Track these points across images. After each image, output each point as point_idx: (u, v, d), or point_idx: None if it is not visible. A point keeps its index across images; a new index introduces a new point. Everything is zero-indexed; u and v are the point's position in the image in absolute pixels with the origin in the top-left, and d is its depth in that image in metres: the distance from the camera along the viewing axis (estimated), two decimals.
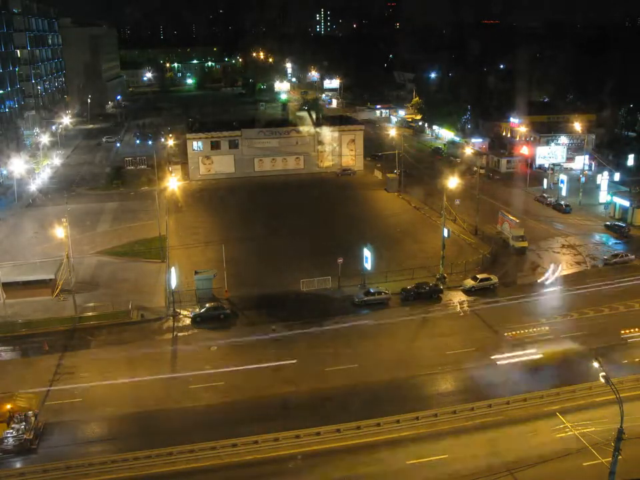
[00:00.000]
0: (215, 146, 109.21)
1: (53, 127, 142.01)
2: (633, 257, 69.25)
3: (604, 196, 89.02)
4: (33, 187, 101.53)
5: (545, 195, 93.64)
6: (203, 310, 57.95)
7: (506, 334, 53.81)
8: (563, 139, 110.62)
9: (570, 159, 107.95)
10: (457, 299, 61.43)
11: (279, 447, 39.65)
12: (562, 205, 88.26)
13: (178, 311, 58.83)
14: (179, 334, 55.70)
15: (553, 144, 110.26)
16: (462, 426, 41.49)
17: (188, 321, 57.65)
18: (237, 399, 45.30)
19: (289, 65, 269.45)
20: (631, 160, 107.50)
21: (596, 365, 33.38)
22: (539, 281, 65.45)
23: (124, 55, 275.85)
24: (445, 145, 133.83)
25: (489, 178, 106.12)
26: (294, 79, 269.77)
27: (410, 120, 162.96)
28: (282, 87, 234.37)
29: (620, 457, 32.38)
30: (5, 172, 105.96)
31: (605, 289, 62.44)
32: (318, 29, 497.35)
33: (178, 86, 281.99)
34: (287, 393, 45.83)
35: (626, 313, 57.31)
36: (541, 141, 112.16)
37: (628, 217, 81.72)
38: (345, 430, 40.66)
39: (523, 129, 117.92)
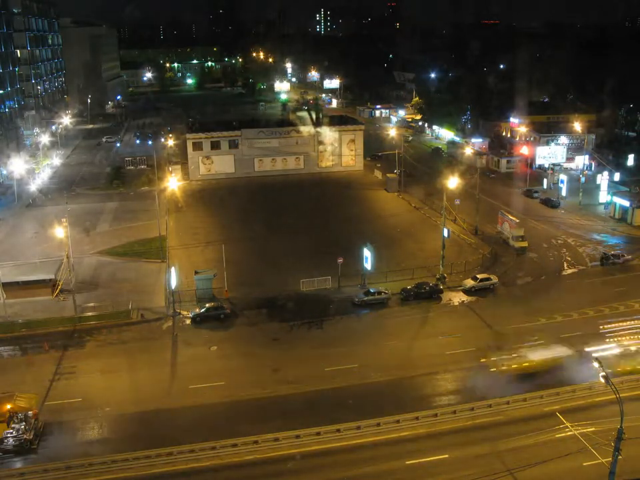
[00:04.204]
0: (215, 146, 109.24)
1: (53, 127, 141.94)
2: (630, 257, 69.21)
3: (604, 196, 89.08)
4: (33, 187, 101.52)
5: (530, 189, 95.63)
6: (203, 310, 57.96)
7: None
8: (563, 139, 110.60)
9: (570, 158, 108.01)
10: (457, 298, 61.44)
11: (279, 446, 39.68)
12: (551, 200, 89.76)
13: (178, 310, 58.84)
14: (179, 334, 55.68)
15: (553, 144, 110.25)
16: (462, 426, 41.51)
17: (188, 321, 57.66)
18: (237, 399, 45.33)
19: (288, 65, 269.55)
20: (631, 160, 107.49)
21: (596, 364, 33.36)
22: (538, 280, 65.50)
23: (124, 55, 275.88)
24: (445, 144, 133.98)
25: (488, 176, 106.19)
26: (294, 79, 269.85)
27: (410, 120, 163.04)
28: (282, 87, 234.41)
29: (620, 457, 32.40)
30: (5, 172, 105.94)
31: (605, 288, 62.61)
32: (318, 29, 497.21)
33: (178, 86, 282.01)
34: (287, 393, 45.85)
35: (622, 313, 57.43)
36: (541, 140, 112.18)
37: (628, 217, 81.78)
38: (345, 430, 40.68)
39: (522, 129, 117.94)
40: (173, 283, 59.75)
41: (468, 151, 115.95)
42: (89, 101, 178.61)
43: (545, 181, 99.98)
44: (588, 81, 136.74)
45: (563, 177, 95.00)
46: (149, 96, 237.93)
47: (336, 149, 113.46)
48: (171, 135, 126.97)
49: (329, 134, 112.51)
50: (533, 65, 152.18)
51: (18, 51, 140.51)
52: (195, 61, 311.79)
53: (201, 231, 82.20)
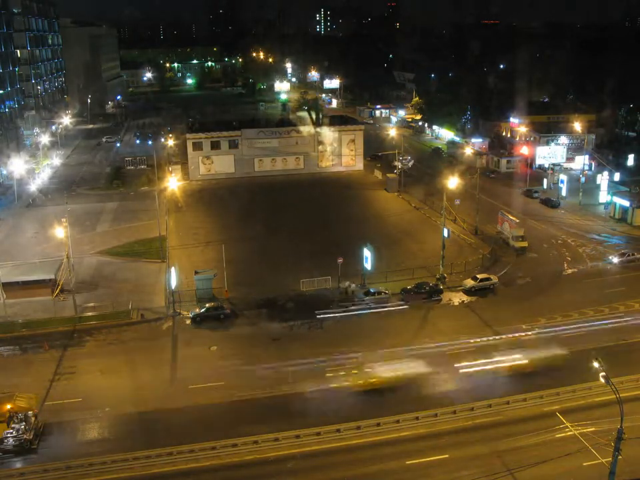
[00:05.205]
0: (215, 146, 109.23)
1: (53, 127, 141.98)
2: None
3: (604, 196, 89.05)
4: (33, 187, 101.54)
5: (530, 189, 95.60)
6: (203, 310, 57.95)
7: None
8: (563, 139, 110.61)
9: (570, 158, 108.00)
10: (457, 299, 61.43)
11: (279, 447, 39.70)
12: (551, 200, 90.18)
13: (178, 310, 58.85)
14: (179, 334, 55.71)
15: (553, 144, 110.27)
16: (462, 426, 41.53)
17: (188, 321, 57.68)
18: (236, 398, 45.32)
19: (288, 65, 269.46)
20: (631, 160, 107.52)
21: (596, 364, 33.36)
22: (538, 280, 65.50)
23: (124, 55, 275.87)
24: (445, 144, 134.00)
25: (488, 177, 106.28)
26: (294, 79, 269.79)
27: (410, 120, 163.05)
28: (282, 87, 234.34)
29: (620, 457, 32.41)
30: (5, 172, 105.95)
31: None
32: (318, 29, 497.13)
33: (178, 86, 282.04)
34: (287, 393, 45.86)
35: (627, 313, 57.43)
36: (541, 140, 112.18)
37: (628, 217, 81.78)
38: (345, 430, 40.72)
39: (523, 129, 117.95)
40: (173, 282, 59.77)
41: (468, 151, 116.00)
42: (89, 101, 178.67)
43: (545, 180, 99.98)
44: (588, 80, 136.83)
45: (563, 177, 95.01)
46: (149, 96, 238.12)
47: (336, 149, 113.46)
48: (171, 135, 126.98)
49: (328, 134, 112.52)
50: (533, 65, 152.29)
51: (18, 51, 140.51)
52: (195, 61, 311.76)
53: (201, 231, 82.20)
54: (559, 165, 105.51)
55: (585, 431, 39.53)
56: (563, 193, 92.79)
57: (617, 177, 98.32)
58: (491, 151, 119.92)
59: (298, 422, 41.65)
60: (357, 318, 58.21)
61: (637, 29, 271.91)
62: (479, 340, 52.96)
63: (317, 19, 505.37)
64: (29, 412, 41.55)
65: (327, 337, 54.46)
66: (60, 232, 61.61)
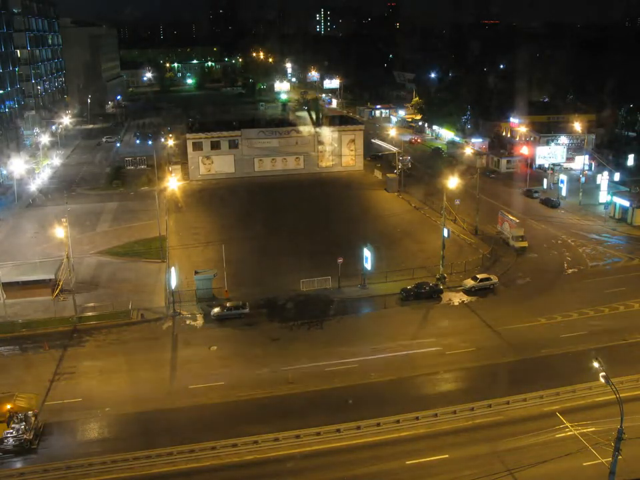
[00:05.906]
0: (215, 146, 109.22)
1: (53, 127, 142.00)
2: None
3: (604, 196, 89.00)
4: (33, 187, 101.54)
5: (530, 189, 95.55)
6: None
7: None
8: (563, 139, 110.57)
9: (570, 158, 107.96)
10: (457, 299, 61.41)
11: (279, 447, 39.70)
12: (551, 200, 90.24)
13: (178, 310, 58.85)
14: (179, 334, 55.71)
15: (553, 144, 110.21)
16: (462, 426, 41.52)
17: (188, 321, 57.70)
18: (236, 399, 45.33)
19: (288, 65, 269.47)
20: (631, 160, 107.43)
21: (596, 365, 33.36)
22: (538, 280, 65.48)
23: (124, 55, 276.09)
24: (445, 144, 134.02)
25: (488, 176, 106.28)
26: (294, 79, 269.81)
27: (410, 120, 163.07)
28: (282, 87, 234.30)
29: (620, 457, 32.42)
30: (5, 172, 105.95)
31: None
32: (318, 29, 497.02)
33: (178, 86, 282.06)
34: (287, 393, 45.88)
35: (625, 314, 57.41)
36: (541, 141, 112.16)
37: (628, 217, 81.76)
38: (345, 430, 40.71)
39: (523, 129, 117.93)
40: (173, 283, 59.74)
41: (468, 151, 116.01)
42: (89, 101, 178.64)
43: (545, 180, 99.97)
44: (588, 80, 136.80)
45: (563, 177, 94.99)
46: (149, 96, 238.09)
47: (336, 149, 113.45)
48: (170, 135, 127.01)
49: (328, 134, 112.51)
50: (533, 65, 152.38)
51: (18, 51, 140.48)
52: (195, 61, 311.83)
53: (201, 231, 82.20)
54: (558, 164, 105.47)
55: (585, 430, 39.50)
56: (563, 193, 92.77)
57: (617, 176, 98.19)
58: (491, 151, 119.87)
59: (298, 422, 41.70)
60: (357, 318, 58.27)
61: (637, 29, 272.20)
62: None
63: (317, 18, 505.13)
64: (29, 412, 41.56)
65: (327, 336, 54.49)
66: (60, 232, 61.64)
